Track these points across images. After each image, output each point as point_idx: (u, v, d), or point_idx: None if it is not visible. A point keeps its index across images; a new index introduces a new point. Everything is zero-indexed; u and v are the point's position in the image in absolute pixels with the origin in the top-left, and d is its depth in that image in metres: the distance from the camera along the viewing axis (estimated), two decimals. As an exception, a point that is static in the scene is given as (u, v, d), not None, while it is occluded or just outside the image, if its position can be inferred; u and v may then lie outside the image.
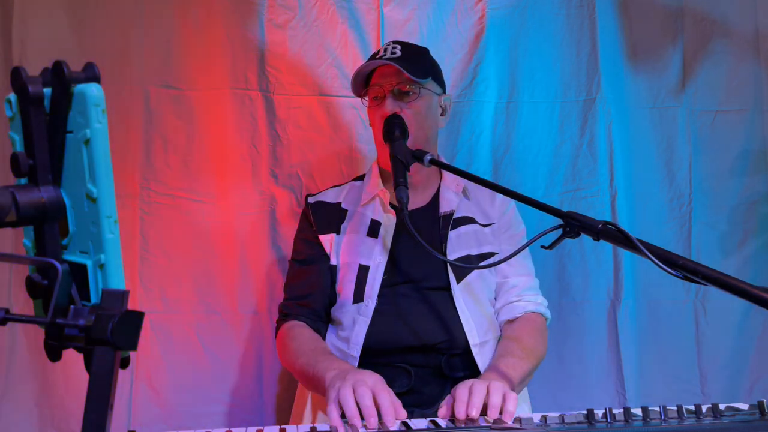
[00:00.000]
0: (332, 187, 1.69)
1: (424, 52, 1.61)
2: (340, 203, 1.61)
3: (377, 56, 1.53)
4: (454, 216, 1.54)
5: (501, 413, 1.13)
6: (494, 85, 2.02)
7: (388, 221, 1.54)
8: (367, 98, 1.57)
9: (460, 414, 1.13)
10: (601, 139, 2.03)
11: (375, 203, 1.57)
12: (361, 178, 1.67)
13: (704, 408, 1.05)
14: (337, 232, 1.56)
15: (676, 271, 0.97)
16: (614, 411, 1.03)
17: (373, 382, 1.16)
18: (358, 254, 1.51)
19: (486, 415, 1.14)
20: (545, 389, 1.93)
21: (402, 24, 1.98)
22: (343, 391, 1.14)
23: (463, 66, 2.00)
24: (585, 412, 1.03)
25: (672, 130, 2.08)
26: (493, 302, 1.54)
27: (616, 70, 2.06)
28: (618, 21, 2.07)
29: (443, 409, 1.20)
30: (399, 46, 1.54)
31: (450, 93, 1.98)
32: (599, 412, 1.03)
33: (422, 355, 1.45)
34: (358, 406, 1.12)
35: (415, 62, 1.52)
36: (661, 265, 0.97)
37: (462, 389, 1.17)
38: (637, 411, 1.04)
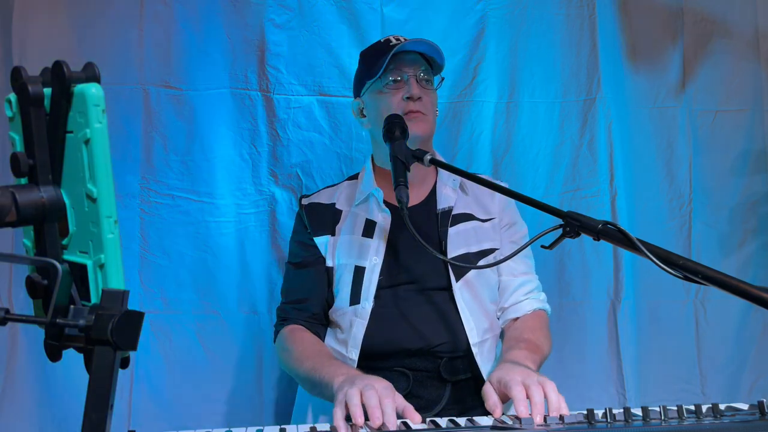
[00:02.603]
0: (326, 187, 1.67)
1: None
2: (334, 204, 1.58)
3: (391, 44, 1.50)
4: (453, 212, 1.53)
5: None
6: (494, 85, 2.02)
7: (384, 220, 1.52)
8: (380, 82, 1.50)
9: (523, 413, 1.10)
10: (601, 139, 2.03)
11: (369, 202, 1.55)
12: (355, 176, 1.65)
13: (704, 408, 1.05)
14: (332, 234, 1.54)
15: (676, 271, 0.97)
16: (614, 411, 1.03)
17: (381, 387, 1.14)
18: (354, 255, 1.50)
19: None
20: (545, 389, 1.93)
21: (402, 24, 1.98)
22: (350, 392, 1.12)
23: (463, 66, 2.00)
24: (585, 412, 1.03)
25: (672, 130, 2.08)
26: (494, 300, 1.53)
27: (616, 70, 2.06)
28: (618, 21, 2.07)
29: (497, 410, 1.16)
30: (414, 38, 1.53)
31: (450, 93, 1.99)
32: (599, 412, 1.03)
33: (420, 358, 1.44)
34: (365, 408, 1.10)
35: (438, 53, 1.52)
36: (661, 265, 0.97)
37: (517, 388, 1.13)
38: (637, 411, 1.04)
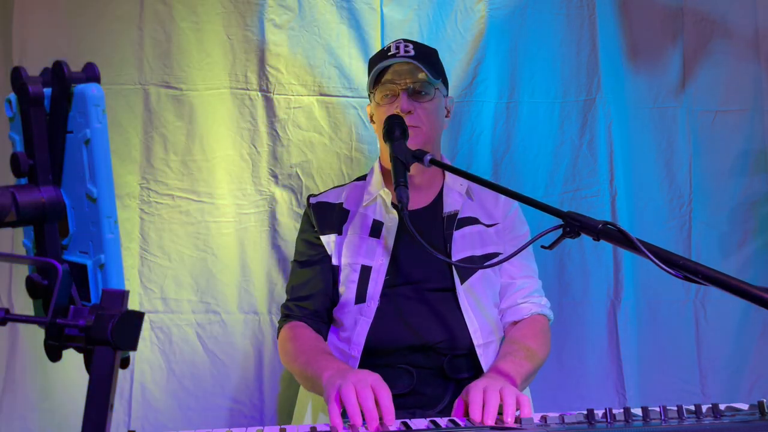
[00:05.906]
0: (334, 187, 1.68)
1: (435, 52, 1.61)
2: (341, 203, 1.60)
3: (389, 54, 1.52)
4: (459, 216, 1.54)
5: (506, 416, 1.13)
6: (494, 85, 2.02)
7: (390, 221, 1.53)
8: (376, 95, 1.53)
9: (476, 417, 1.13)
10: (601, 139, 2.03)
11: (377, 203, 1.56)
12: (363, 178, 1.66)
13: (704, 408, 1.05)
14: (339, 233, 1.55)
15: (676, 271, 0.97)
16: (614, 411, 1.03)
17: (373, 381, 1.16)
18: (360, 254, 1.51)
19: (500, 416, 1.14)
20: (545, 389, 1.93)
21: (402, 24, 1.98)
22: (345, 390, 1.13)
23: (463, 66, 2.00)
24: (585, 412, 1.03)
25: (672, 130, 2.08)
26: (497, 303, 1.53)
27: (616, 70, 2.06)
28: (618, 21, 2.07)
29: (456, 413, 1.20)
30: (411, 45, 1.53)
31: (450, 93, 1.99)
32: (599, 412, 1.03)
33: (424, 355, 1.44)
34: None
35: (430, 62, 1.53)
36: (661, 265, 0.97)
37: (476, 393, 1.17)
38: (637, 411, 1.04)
